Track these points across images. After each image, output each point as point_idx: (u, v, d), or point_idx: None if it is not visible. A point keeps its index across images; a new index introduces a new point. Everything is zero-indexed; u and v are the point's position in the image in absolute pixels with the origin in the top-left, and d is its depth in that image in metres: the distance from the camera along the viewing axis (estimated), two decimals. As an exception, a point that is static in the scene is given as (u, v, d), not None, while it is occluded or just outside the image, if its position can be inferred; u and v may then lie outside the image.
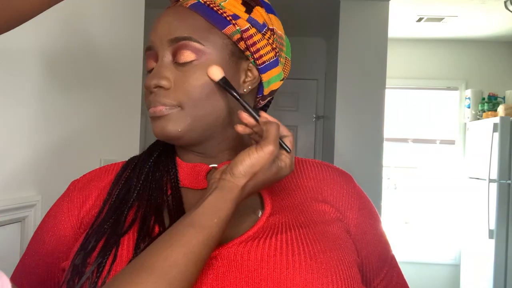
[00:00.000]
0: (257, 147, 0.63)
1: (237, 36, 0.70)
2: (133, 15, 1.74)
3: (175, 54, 0.70)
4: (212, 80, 0.68)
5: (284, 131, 0.68)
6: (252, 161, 0.62)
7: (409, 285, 0.84)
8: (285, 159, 0.66)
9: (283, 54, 0.76)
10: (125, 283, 0.55)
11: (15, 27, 0.73)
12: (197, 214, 0.60)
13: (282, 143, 0.67)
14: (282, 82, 0.77)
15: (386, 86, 3.42)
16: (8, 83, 1.09)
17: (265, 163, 0.63)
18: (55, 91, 1.27)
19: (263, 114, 0.68)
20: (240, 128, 0.68)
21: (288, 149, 0.67)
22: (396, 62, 4.61)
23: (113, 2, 1.59)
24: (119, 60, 1.63)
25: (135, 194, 0.72)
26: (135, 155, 0.81)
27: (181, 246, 0.57)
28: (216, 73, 0.68)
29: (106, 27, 1.53)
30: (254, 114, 0.67)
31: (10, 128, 1.11)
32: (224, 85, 0.68)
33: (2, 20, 0.70)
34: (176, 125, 0.69)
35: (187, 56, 0.68)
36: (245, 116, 0.67)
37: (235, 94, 0.68)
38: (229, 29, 0.69)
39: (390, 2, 3.41)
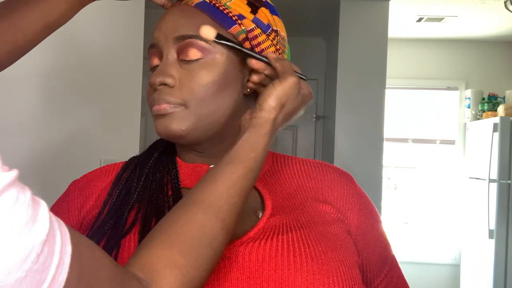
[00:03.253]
0: (280, 80, 0.66)
1: (243, 36, 0.70)
2: (133, 15, 1.74)
3: (180, 52, 0.69)
4: (206, 39, 0.68)
5: (293, 65, 0.71)
6: (279, 93, 0.65)
7: (409, 285, 0.83)
8: (305, 87, 0.70)
9: (285, 56, 0.76)
10: (179, 216, 0.58)
11: (15, 60, 0.74)
12: (234, 151, 0.63)
13: (297, 73, 0.70)
14: None
15: (386, 86, 3.42)
16: (8, 84, 1.09)
17: (292, 93, 0.66)
18: (55, 92, 1.27)
19: (270, 54, 0.70)
20: (255, 78, 0.71)
21: (305, 77, 0.72)
22: (396, 62, 4.61)
23: (113, 3, 1.58)
24: (119, 60, 1.63)
25: (135, 195, 0.71)
26: (135, 155, 0.81)
27: (224, 181, 0.61)
28: (209, 32, 0.67)
29: (106, 27, 1.53)
30: (262, 58, 0.70)
31: (10, 129, 1.11)
32: (221, 40, 0.68)
33: (1, 54, 0.70)
34: (180, 123, 0.69)
35: (193, 54, 0.68)
36: (255, 62, 0.69)
37: (235, 45, 0.69)
38: (235, 28, 0.69)
39: (390, 2, 3.41)
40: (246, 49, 0.69)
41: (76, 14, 0.76)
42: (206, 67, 0.68)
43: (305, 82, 0.71)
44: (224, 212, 0.59)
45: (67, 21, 0.75)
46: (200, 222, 0.57)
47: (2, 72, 1.06)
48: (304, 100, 0.70)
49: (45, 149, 1.24)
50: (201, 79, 0.68)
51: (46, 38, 1.20)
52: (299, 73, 0.71)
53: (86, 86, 1.44)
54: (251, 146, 0.64)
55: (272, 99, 0.65)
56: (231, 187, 0.61)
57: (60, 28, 0.84)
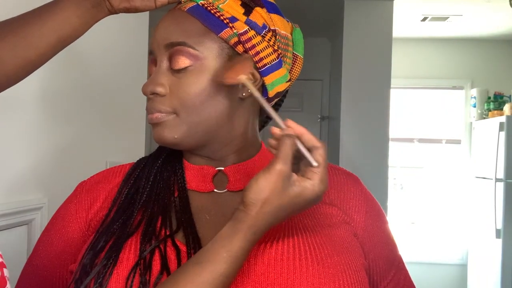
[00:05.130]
0: (264, 169, 0.58)
1: (235, 39, 0.68)
2: (138, 18, 1.75)
3: (171, 60, 0.69)
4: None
5: (311, 141, 0.60)
6: (259, 186, 0.57)
7: (416, 285, 0.83)
8: (312, 176, 0.59)
9: (288, 54, 0.73)
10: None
11: (26, 75, 0.73)
12: (207, 248, 0.58)
13: (307, 156, 0.59)
14: (289, 83, 0.75)
15: (391, 86, 3.41)
16: (12, 88, 1.10)
17: (274, 186, 0.57)
18: (61, 94, 1.28)
19: (289, 123, 0.61)
20: (273, 142, 0.62)
21: (313, 163, 0.59)
22: (401, 62, 4.59)
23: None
24: (125, 63, 1.64)
25: (144, 195, 0.72)
26: (140, 157, 0.81)
27: (184, 286, 0.55)
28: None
29: (112, 30, 1.54)
30: (279, 122, 0.62)
31: (17, 131, 1.11)
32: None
33: (12, 70, 0.70)
34: (172, 132, 0.69)
35: (181, 62, 0.67)
36: (276, 131, 0.61)
37: (257, 96, 0.65)
38: (226, 32, 0.68)
39: (394, 1, 3.40)
40: (264, 102, 0.64)
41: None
42: (195, 74, 0.67)
43: (315, 170, 0.59)
44: None
45: (79, 36, 0.74)
46: None
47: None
48: (301, 194, 0.58)
49: (51, 152, 1.25)
50: (189, 87, 0.67)
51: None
52: (308, 156, 0.59)
53: (92, 89, 1.44)
54: (224, 243, 0.57)
55: (252, 193, 0.57)
56: None
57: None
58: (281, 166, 0.57)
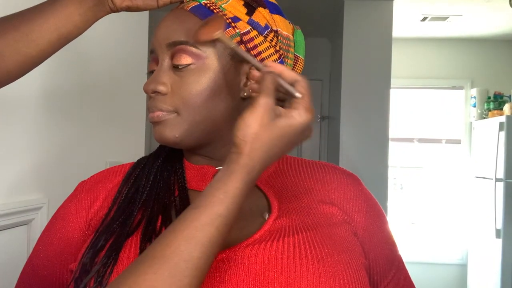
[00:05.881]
0: (249, 107, 0.58)
1: (237, 39, 0.68)
2: (138, 17, 1.75)
3: (173, 58, 0.69)
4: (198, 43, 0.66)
5: (291, 76, 0.61)
6: (246, 122, 0.57)
7: (416, 285, 0.83)
8: (297, 106, 0.59)
9: (290, 55, 0.73)
10: (129, 275, 0.52)
11: (27, 71, 0.73)
12: (204, 192, 0.57)
13: (289, 90, 0.60)
14: None
15: (391, 85, 3.41)
16: (12, 87, 1.10)
17: (261, 119, 0.57)
18: (61, 95, 1.28)
19: (268, 63, 0.63)
20: (254, 86, 0.66)
21: (295, 94, 0.59)
22: (401, 62, 4.60)
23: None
24: (124, 62, 1.64)
25: (145, 194, 0.72)
26: (140, 157, 0.81)
27: (183, 231, 0.54)
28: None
29: (111, 29, 1.54)
30: (257, 65, 0.63)
31: (16, 132, 1.11)
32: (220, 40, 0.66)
33: (13, 66, 0.70)
34: (172, 131, 0.68)
35: (184, 59, 0.67)
36: (256, 73, 0.65)
37: (231, 46, 0.65)
38: (228, 32, 0.68)
39: (394, 1, 3.41)
40: (241, 51, 0.65)
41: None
42: (197, 73, 0.67)
43: (299, 100, 0.59)
44: (182, 271, 0.51)
45: (80, 33, 0.74)
46: (149, 284, 0.51)
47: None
48: (290, 124, 0.58)
49: (51, 152, 1.25)
50: (191, 86, 0.67)
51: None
52: (290, 89, 0.60)
53: (92, 89, 1.44)
54: (219, 186, 0.56)
55: (241, 130, 0.57)
56: (190, 238, 0.53)
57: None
58: (265, 99, 0.58)
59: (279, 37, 0.71)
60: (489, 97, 4.73)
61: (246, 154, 0.57)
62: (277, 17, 0.72)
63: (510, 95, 4.65)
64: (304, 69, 0.77)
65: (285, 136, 0.59)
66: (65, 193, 0.82)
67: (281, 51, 0.72)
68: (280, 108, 0.60)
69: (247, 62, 0.67)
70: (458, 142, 5.00)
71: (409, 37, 4.82)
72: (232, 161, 0.58)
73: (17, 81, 1.10)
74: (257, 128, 0.57)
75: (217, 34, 0.64)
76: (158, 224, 0.68)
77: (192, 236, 0.53)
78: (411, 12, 4.06)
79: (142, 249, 0.64)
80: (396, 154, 4.80)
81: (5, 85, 0.72)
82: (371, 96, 3.39)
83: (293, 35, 0.75)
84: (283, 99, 0.62)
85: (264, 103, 0.57)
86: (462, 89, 4.96)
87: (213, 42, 0.67)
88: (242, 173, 0.57)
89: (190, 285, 0.52)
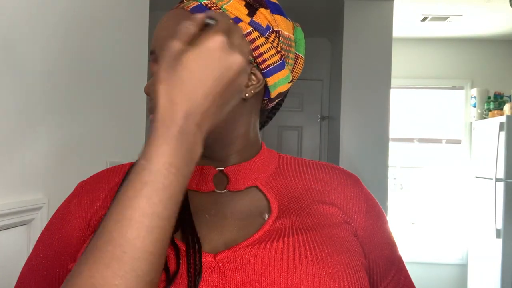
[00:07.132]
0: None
1: None
2: (138, 18, 1.75)
3: None
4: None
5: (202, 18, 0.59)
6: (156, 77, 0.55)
7: (416, 285, 0.83)
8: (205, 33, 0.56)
9: (291, 55, 0.73)
10: (91, 258, 0.49)
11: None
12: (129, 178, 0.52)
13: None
14: (291, 83, 0.74)
15: (391, 85, 3.41)
16: (13, 87, 1.09)
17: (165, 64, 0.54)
18: (61, 94, 1.28)
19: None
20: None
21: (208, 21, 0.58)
22: (401, 62, 4.60)
23: (117, 5, 1.59)
24: (124, 62, 1.64)
25: None
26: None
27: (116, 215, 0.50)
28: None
29: (111, 30, 1.54)
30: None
31: (16, 131, 1.11)
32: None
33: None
34: None
35: None
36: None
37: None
38: None
39: (394, 1, 3.41)
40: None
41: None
42: None
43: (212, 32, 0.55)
44: (120, 259, 0.48)
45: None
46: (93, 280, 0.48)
47: (8, 74, 1.07)
48: (201, 44, 0.54)
49: (51, 152, 1.25)
50: None
51: (52, 41, 1.21)
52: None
53: (91, 89, 1.44)
54: (144, 151, 0.52)
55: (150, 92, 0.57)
56: (121, 220, 0.49)
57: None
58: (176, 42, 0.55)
59: (280, 38, 0.71)
60: (489, 97, 4.73)
61: (159, 107, 0.53)
62: (278, 17, 0.72)
63: (510, 95, 4.65)
64: (304, 69, 0.77)
65: (203, 57, 0.54)
66: (65, 193, 0.82)
67: (283, 51, 0.71)
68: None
69: (250, 62, 0.65)
70: (458, 142, 5.00)
71: (409, 37, 4.82)
72: (152, 133, 0.53)
73: (16, 81, 1.10)
74: (161, 75, 0.54)
75: None
76: None
77: (122, 216, 0.49)
78: (411, 12, 4.07)
79: None
80: (396, 154, 4.80)
81: None
82: (371, 96, 3.39)
83: (293, 33, 0.75)
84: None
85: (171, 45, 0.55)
86: (462, 89, 4.97)
87: None
88: (160, 129, 0.52)
89: (134, 270, 0.48)
